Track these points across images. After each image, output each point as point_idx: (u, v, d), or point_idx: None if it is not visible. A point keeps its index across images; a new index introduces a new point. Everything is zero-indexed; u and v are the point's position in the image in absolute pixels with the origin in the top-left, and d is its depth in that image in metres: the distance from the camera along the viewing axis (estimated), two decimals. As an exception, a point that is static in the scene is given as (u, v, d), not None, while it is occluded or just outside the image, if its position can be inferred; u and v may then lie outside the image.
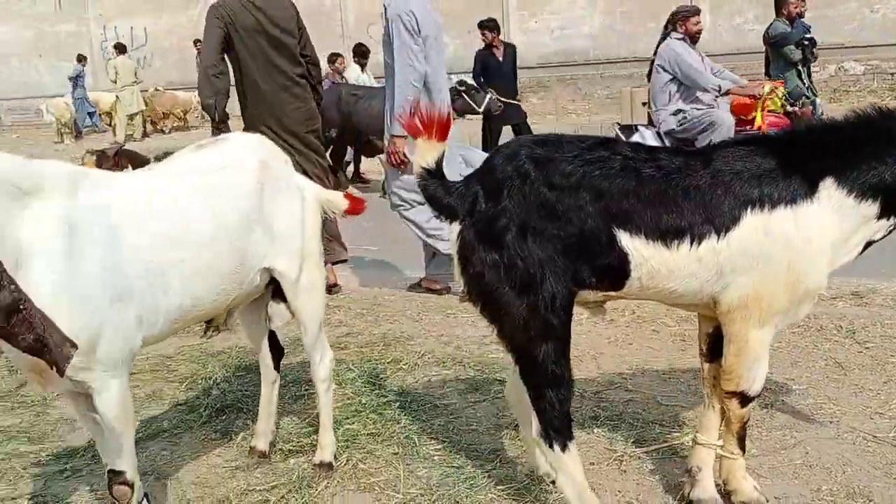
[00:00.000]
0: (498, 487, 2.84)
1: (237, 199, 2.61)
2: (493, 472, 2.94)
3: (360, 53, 12.28)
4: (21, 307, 1.78)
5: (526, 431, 2.67)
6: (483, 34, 9.81)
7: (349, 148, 10.15)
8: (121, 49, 16.39)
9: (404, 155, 4.79)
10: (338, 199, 3.16)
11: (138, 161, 3.98)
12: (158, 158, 4.24)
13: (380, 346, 4.33)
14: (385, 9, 4.83)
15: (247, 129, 4.81)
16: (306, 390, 3.80)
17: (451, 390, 3.70)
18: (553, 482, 2.76)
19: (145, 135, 16.76)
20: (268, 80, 4.94)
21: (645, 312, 4.57)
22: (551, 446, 2.32)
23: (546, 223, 2.14)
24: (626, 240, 2.15)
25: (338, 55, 12.05)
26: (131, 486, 2.35)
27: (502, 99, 9.15)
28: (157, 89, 17.36)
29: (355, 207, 3.26)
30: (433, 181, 2.32)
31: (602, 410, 3.38)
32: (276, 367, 3.22)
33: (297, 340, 4.11)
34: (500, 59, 9.83)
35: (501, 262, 2.19)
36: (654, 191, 2.16)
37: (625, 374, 3.78)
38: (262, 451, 3.16)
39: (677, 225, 2.15)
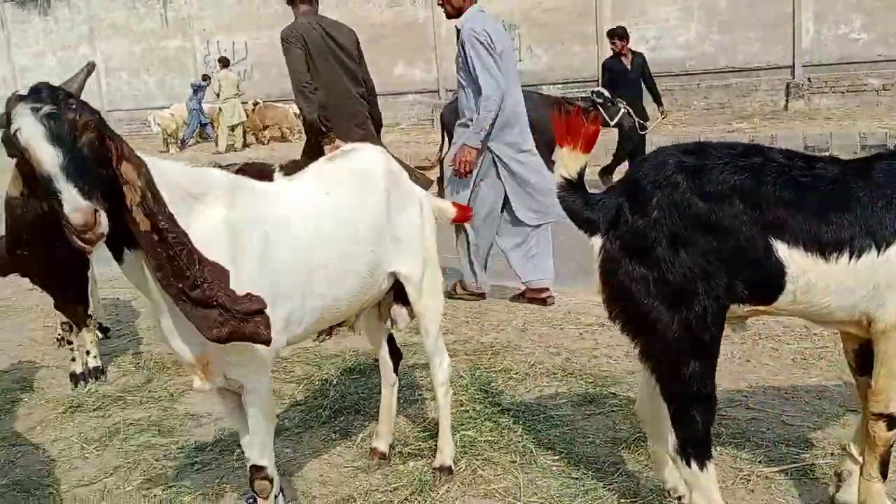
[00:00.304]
0: (621, 501, 2.81)
1: (369, 207, 2.72)
2: (614, 486, 2.91)
3: None
4: (215, 303, 1.97)
5: (657, 446, 2.63)
6: (613, 42, 9.66)
7: None
8: (224, 63, 17.03)
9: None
10: (447, 207, 3.24)
11: (264, 174, 4.08)
12: (283, 167, 4.39)
13: (488, 354, 4.34)
14: (458, 31, 4.91)
15: None
16: (419, 395, 3.86)
17: (564, 402, 3.68)
18: (679, 498, 2.72)
19: (245, 145, 17.35)
20: (334, 98, 5.13)
21: (763, 329, 4.44)
22: (688, 464, 2.28)
23: (698, 234, 2.09)
24: (783, 251, 2.09)
25: None
26: (271, 480, 2.44)
27: (637, 119, 9.07)
28: (256, 102, 17.94)
29: (463, 215, 3.32)
30: (573, 193, 2.29)
31: (724, 428, 3.29)
32: (396, 370, 3.29)
33: (408, 346, 4.19)
34: (628, 67, 9.64)
35: (650, 277, 2.13)
36: (812, 200, 2.08)
37: (745, 392, 3.68)
38: (383, 452, 3.22)
39: (837, 237, 2.07)
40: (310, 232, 2.46)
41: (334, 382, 4.03)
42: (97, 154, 1.84)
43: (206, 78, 17.99)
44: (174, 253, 1.90)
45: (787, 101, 14.66)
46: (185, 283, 1.91)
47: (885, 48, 13.61)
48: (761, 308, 2.25)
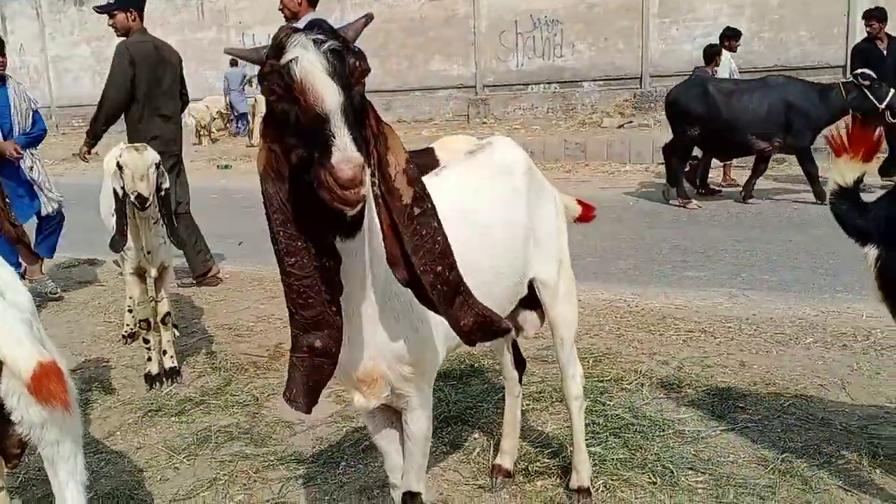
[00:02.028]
0: (787, 531, 2.52)
1: (518, 205, 2.46)
2: (775, 513, 2.62)
3: (733, 35, 10.19)
4: (461, 289, 1.76)
5: None
6: (870, 24, 8.82)
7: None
8: (261, 56, 16.86)
9: None
10: (573, 205, 2.95)
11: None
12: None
13: (589, 361, 4.04)
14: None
15: None
16: (528, 405, 3.57)
17: (689, 416, 3.38)
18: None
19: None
20: (169, 108, 5.80)
21: (882, 338, 4.13)
22: None
23: None
24: None
25: (717, 48, 9.91)
26: (425, 507, 2.17)
27: None
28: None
29: (587, 214, 3.03)
30: (845, 201, 2.16)
31: (878, 448, 2.99)
32: (520, 380, 3.02)
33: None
34: (884, 51, 8.80)
35: None
36: None
37: (886, 406, 3.37)
38: (508, 470, 2.94)
39: None
40: (466, 232, 2.18)
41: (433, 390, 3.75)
42: (362, 109, 1.59)
43: (234, 64, 17.82)
44: (432, 230, 1.69)
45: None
46: (444, 264, 1.70)
47: (944, 47, 13.16)
48: None
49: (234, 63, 17.86)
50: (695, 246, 6.73)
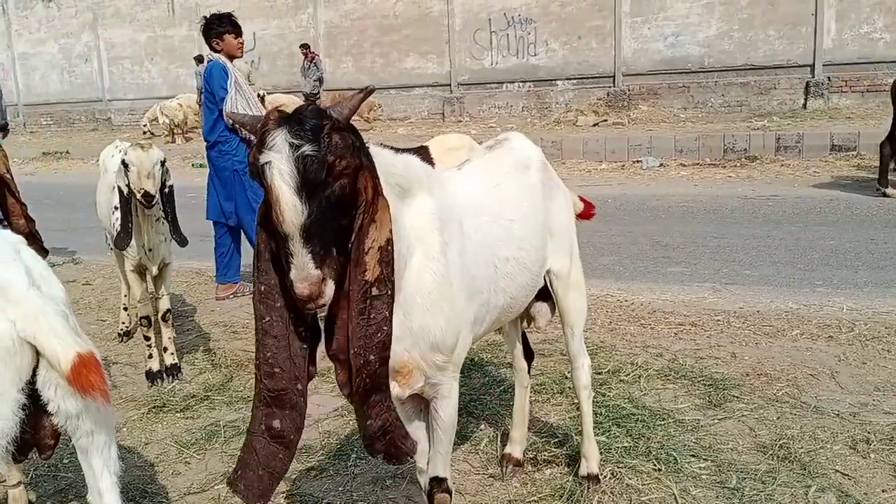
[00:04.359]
0: (791, 513, 2.63)
1: (535, 199, 2.54)
2: (777, 498, 2.73)
3: None
4: (383, 387, 1.80)
5: None
6: None
7: None
8: (234, 54, 16.74)
9: None
10: (577, 201, 3.04)
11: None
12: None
13: (585, 354, 4.14)
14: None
15: None
16: (530, 397, 3.64)
17: (687, 406, 3.49)
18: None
19: (253, 137, 17.06)
20: None
21: (865, 329, 4.28)
22: None
23: None
24: None
25: None
26: (451, 493, 2.24)
27: None
28: (261, 95, 17.61)
29: (588, 211, 3.13)
30: None
31: (870, 434, 3.13)
32: (529, 371, 3.10)
33: (497, 344, 3.99)
34: None
35: None
36: None
37: (874, 394, 3.51)
38: (518, 459, 3.02)
39: None
40: (490, 225, 2.26)
41: (436, 383, 3.82)
42: (344, 201, 1.61)
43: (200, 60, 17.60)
44: (382, 319, 1.72)
45: (805, 99, 14.54)
46: (377, 355, 1.73)
47: (908, 48, 13.54)
48: None
49: (200, 60, 17.59)
50: (675, 241, 6.87)
